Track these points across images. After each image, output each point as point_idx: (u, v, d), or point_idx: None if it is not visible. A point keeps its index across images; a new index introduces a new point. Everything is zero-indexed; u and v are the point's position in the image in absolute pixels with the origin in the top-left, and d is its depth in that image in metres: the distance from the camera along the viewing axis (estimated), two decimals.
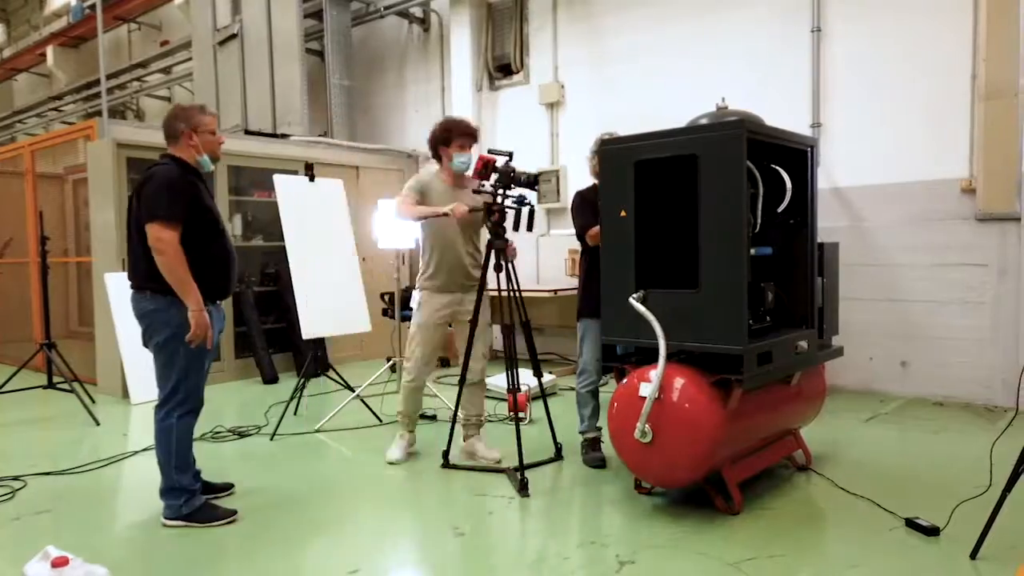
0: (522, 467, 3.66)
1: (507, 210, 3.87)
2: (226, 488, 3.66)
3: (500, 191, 3.85)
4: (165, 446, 3.24)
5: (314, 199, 5.45)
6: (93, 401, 5.55)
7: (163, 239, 3.05)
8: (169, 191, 3.12)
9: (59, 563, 2.67)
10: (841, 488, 3.49)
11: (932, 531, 2.96)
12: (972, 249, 5.14)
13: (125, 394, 5.95)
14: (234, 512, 3.32)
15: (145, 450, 4.52)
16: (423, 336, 4.05)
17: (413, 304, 4.13)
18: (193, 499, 3.29)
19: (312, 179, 5.43)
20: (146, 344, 3.26)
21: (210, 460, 4.35)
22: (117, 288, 5.99)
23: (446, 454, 4.04)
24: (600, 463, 3.98)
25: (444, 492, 3.70)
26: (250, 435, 4.84)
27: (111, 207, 6.05)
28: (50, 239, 5.90)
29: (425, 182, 4.06)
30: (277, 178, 5.29)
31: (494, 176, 3.87)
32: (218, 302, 3.35)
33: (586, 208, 3.97)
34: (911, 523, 3.04)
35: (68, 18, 13.17)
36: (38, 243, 5.90)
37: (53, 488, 3.87)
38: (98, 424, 5.17)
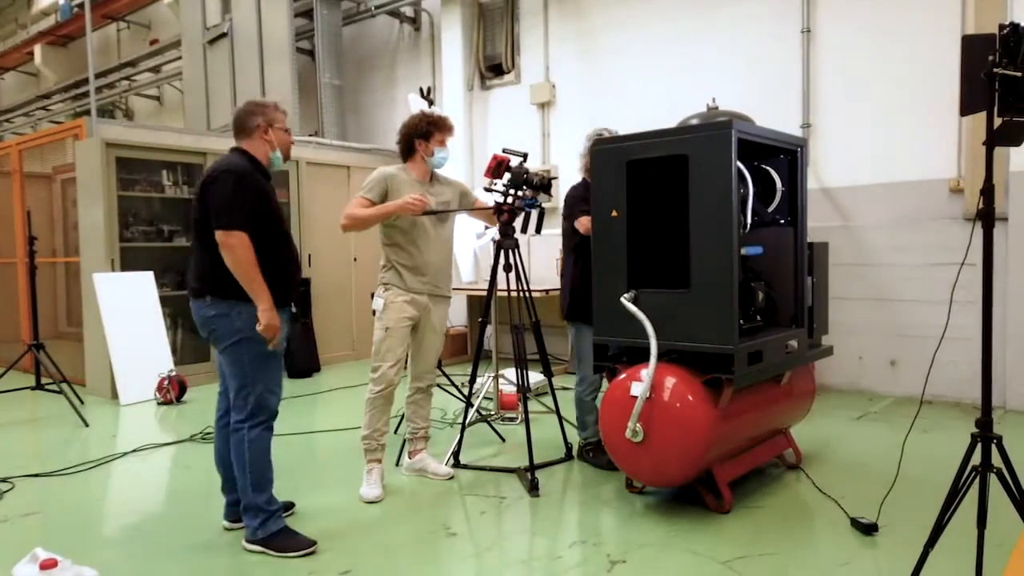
0: (532, 467, 3.66)
1: (516, 211, 3.87)
2: (287, 508, 3.31)
3: (512, 191, 3.85)
4: (239, 461, 2.98)
5: None
6: (82, 402, 5.52)
7: (232, 241, 2.84)
8: (236, 193, 2.86)
9: (48, 565, 2.66)
10: (819, 490, 3.50)
11: (871, 528, 3.01)
12: (960, 249, 5.16)
13: (114, 395, 5.91)
14: (313, 543, 2.98)
15: (135, 451, 4.50)
16: (396, 338, 3.70)
17: (375, 305, 3.75)
18: (269, 522, 2.98)
19: (431, 104, 5.38)
20: (218, 350, 3.06)
21: (201, 460, 4.34)
22: (105, 288, 5.96)
23: (456, 454, 4.03)
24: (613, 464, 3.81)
25: (437, 492, 3.69)
26: None
27: (100, 207, 6.01)
28: (38, 239, 5.86)
29: (390, 175, 3.69)
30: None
31: (507, 176, 3.86)
32: (285, 308, 3.10)
33: (577, 202, 3.94)
34: (855, 522, 3.08)
35: (56, 16, 13.08)
36: (26, 243, 5.85)
37: (42, 490, 3.85)
38: (87, 425, 5.13)
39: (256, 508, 2.98)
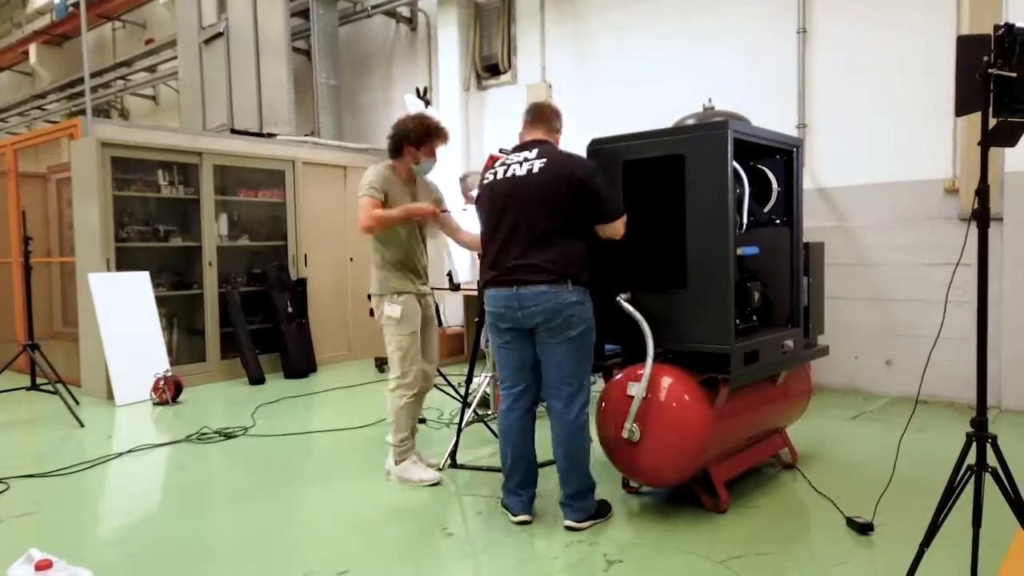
0: None
1: None
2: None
3: None
4: (580, 449, 3.14)
5: None
6: (77, 402, 5.50)
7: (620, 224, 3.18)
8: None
9: (43, 566, 2.65)
10: (815, 489, 3.51)
11: (867, 528, 3.02)
12: (956, 249, 5.17)
13: (110, 395, 5.89)
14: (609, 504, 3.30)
15: (131, 451, 4.49)
16: (416, 341, 3.79)
17: (392, 312, 3.72)
18: (591, 496, 3.20)
19: (428, 104, 5.41)
20: (555, 338, 3.09)
21: (197, 461, 4.34)
22: (101, 288, 5.94)
23: (453, 454, 4.03)
24: None
25: (433, 492, 3.69)
26: (236, 436, 4.82)
27: (95, 207, 5.99)
28: (33, 239, 5.84)
29: (386, 175, 3.74)
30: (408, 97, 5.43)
31: None
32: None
33: None
34: (851, 521, 3.08)
35: (51, 16, 13.04)
36: (21, 243, 5.84)
37: (37, 490, 3.84)
38: (82, 426, 5.12)
39: (589, 490, 3.17)
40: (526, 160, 3.16)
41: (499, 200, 3.19)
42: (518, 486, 3.25)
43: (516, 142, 3.36)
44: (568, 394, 3.10)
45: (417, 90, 5.66)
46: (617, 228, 3.17)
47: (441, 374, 4.84)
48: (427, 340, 3.91)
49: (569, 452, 3.12)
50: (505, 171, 3.21)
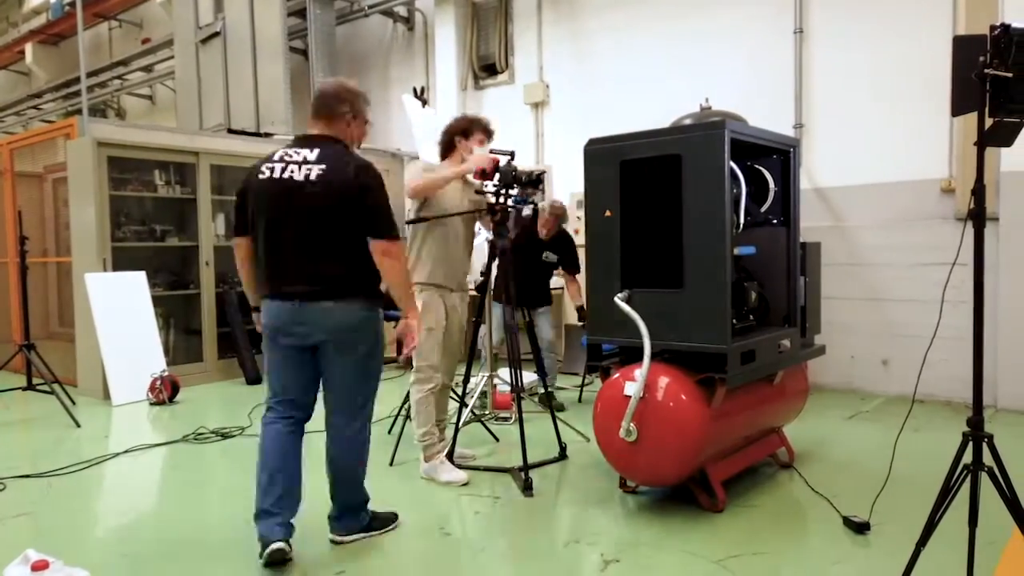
0: (526, 467, 3.66)
1: (510, 210, 3.88)
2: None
3: (503, 191, 3.86)
4: (361, 458, 3.08)
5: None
6: (73, 403, 5.48)
7: (396, 250, 2.85)
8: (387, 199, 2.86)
9: (39, 567, 2.64)
10: (812, 489, 3.51)
11: (863, 527, 3.03)
12: (952, 249, 5.18)
13: (106, 395, 5.88)
14: (395, 516, 3.26)
15: (127, 452, 4.48)
16: (437, 337, 3.81)
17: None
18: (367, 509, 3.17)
19: (425, 103, 5.45)
20: (343, 356, 2.90)
21: (193, 461, 4.33)
22: (97, 288, 5.93)
23: (451, 454, 4.03)
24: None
25: (431, 492, 3.69)
26: (233, 436, 4.81)
27: (91, 207, 5.98)
28: (29, 239, 5.83)
29: (433, 169, 3.88)
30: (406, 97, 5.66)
31: (496, 176, 3.86)
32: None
33: None
34: (847, 521, 3.09)
35: (47, 15, 13.01)
36: (17, 243, 5.83)
37: (33, 491, 3.83)
38: (79, 426, 5.11)
39: (366, 500, 3.15)
40: (305, 162, 2.80)
41: (274, 204, 2.82)
42: (275, 504, 2.88)
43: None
44: (351, 411, 3.00)
45: (414, 90, 5.66)
46: (388, 252, 2.80)
47: None
48: (448, 340, 3.88)
49: (344, 468, 3.05)
50: (283, 170, 2.80)
